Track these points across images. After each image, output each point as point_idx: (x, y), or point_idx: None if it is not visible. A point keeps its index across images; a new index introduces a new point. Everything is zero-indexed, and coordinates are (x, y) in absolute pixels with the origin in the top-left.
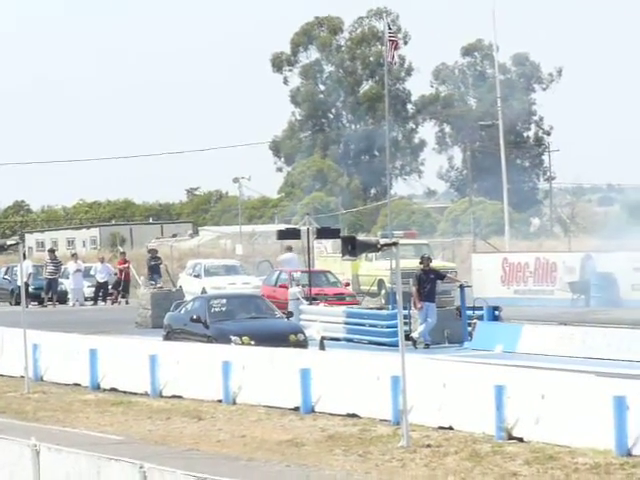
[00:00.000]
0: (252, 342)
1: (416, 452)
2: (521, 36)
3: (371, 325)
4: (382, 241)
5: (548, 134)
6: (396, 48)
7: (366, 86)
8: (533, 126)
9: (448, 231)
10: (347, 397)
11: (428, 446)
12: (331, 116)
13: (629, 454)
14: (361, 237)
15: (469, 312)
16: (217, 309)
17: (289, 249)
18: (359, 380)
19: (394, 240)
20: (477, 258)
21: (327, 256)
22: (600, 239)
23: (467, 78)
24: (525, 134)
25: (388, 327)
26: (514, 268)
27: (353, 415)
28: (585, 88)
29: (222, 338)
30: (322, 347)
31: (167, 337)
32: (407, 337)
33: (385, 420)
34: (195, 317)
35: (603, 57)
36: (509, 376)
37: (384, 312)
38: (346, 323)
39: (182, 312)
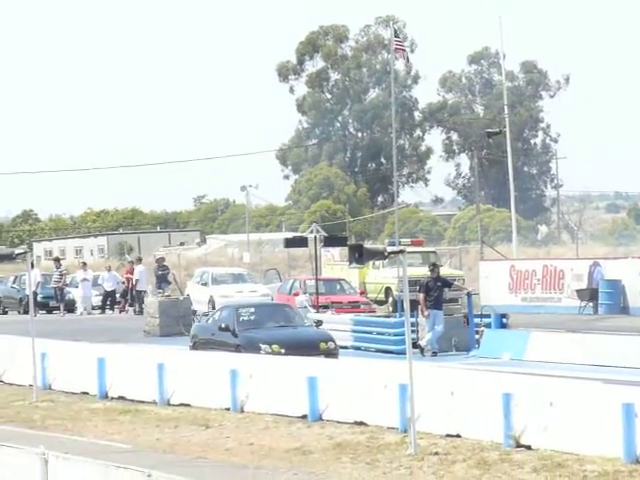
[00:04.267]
0: (282, 350)
1: (424, 460)
2: (528, 44)
3: (378, 333)
4: (389, 249)
5: (555, 141)
6: (404, 52)
7: (372, 94)
8: (540, 133)
9: (455, 239)
10: (355, 405)
11: (436, 454)
12: (337, 124)
13: (637, 461)
14: (368, 245)
15: (477, 320)
16: (245, 318)
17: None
18: (367, 388)
19: (401, 248)
20: (484, 266)
21: (334, 264)
22: (608, 246)
23: (474, 86)
24: (532, 141)
25: (395, 335)
26: (522, 275)
27: (361, 423)
28: (592, 95)
29: (251, 347)
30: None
31: (194, 347)
32: (415, 345)
33: (393, 428)
34: (223, 326)
35: (610, 64)
36: (517, 384)
37: (391, 320)
38: (354, 331)
39: (209, 322)
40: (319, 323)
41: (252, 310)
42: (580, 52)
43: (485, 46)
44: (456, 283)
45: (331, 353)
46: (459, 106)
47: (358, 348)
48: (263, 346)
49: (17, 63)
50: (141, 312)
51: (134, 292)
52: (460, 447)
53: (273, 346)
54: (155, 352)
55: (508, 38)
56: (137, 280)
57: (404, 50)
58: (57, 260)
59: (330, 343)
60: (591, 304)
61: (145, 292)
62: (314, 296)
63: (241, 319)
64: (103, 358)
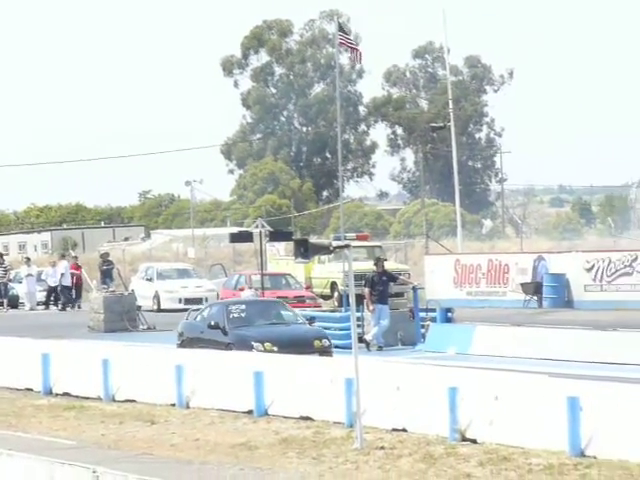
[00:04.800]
0: (275, 348)
1: (370, 454)
2: (472, 38)
3: (324, 327)
4: (334, 243)
5: (500, 136)
6: (357, 51)
7: (317, 89)
8: (485, 128)
9: (400, 233)
10: (300, 400)
11: (382, 448)
12: (282, 119)
13: (582, 455)
14: (313, 240)
15: (422, 314)
16: (236, 315)
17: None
18: (312, 383)
19: (346, 242)
20: (430, 260)
21: (280, 259)
22: (552, 240)
23: (418, 80)
24: (477, 136)
25: (341, 329)
26: (467, 270)
27: (307, 418)
28: (536, 90)
29: (243, 345)
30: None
31: (182, 345)
32: (360, 339)
33: (339, 423)
34: (213, 323)
35: (554, 58)
36: (462, 378)
37: (337, 314)
38: None
39: (197, 319)
40: (312, 320)
41: (243, 307)
42: (523, 47)
43: (429, 40)
44: (401, 277)
45: (326, 351)
46: (404, 100)
47: None
48: (255, 344)
49: None
50: (64, 308)
51: (60, 288)
52: (406, 441)
53: (266, 344)
54: (100, 348)
55: (452, 32)
56: (62, 274)
57: (357, 49)
58: (0, 256)
59: (325, 340)
60: (535, 298)
61: (69, 288)
62: (260, 291)
63: (232, 316)
64: (47, 354)
